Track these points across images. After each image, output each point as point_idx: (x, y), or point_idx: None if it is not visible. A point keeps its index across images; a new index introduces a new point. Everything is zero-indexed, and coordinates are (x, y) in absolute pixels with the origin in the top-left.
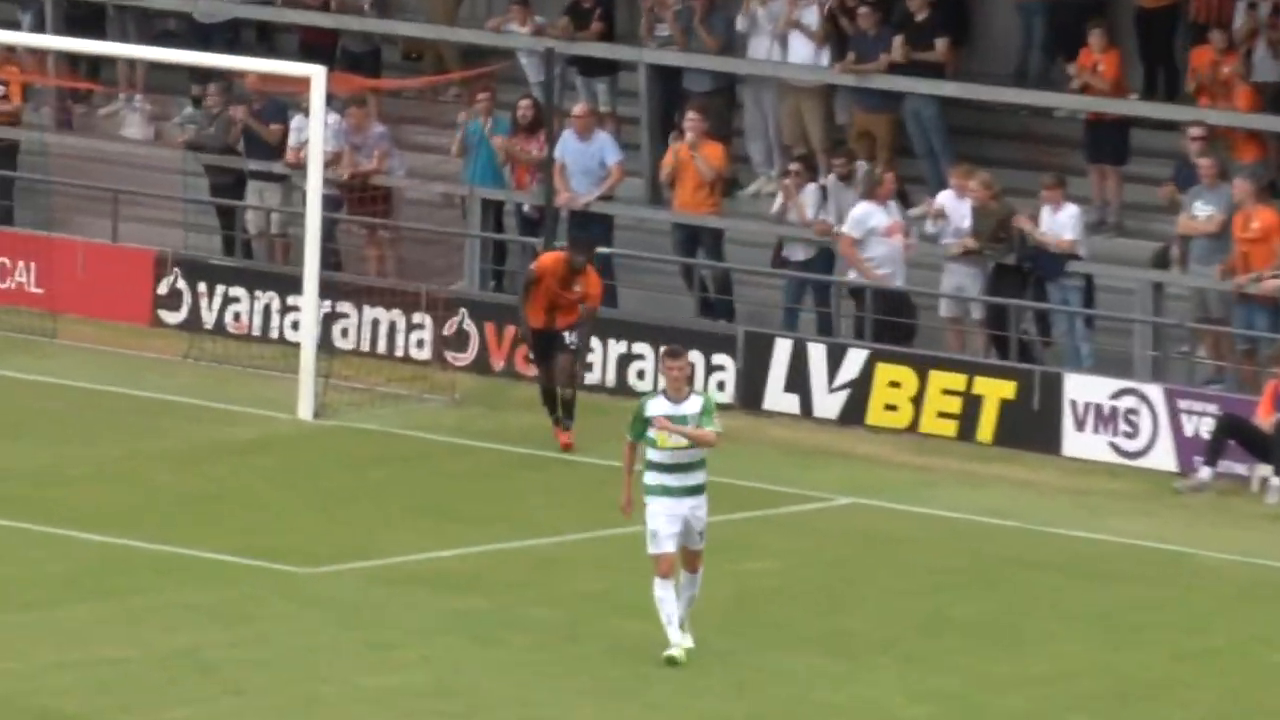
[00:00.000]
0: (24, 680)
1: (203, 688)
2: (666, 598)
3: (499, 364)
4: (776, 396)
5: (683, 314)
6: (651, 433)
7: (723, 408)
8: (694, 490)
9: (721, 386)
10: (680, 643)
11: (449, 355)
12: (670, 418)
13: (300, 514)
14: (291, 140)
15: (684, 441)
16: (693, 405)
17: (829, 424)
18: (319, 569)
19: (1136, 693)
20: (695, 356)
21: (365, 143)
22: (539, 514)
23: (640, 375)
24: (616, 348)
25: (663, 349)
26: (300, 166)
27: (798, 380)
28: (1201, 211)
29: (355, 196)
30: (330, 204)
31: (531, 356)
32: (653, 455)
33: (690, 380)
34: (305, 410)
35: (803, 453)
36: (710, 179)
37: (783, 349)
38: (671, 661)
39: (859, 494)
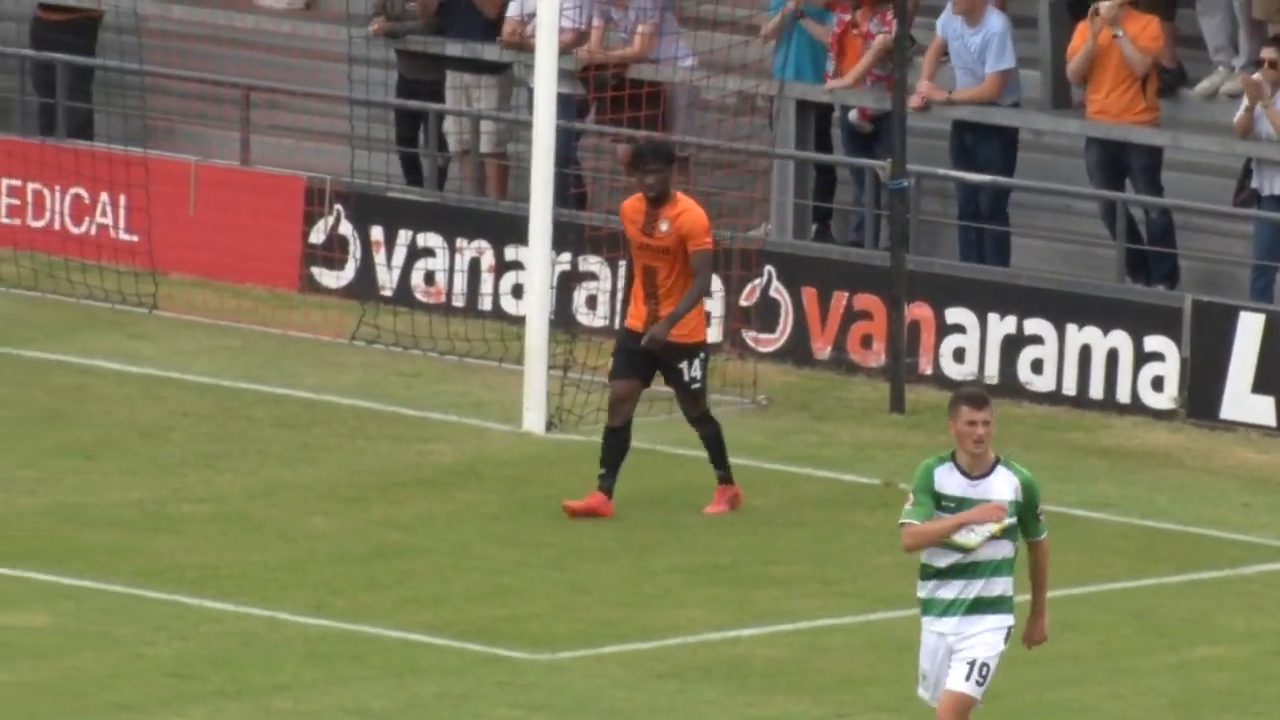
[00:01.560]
0: None
1: None
2: None
3: (823, 349)
4: (1240, 400)
5: (1101, 275)
6: (962, 534)
7: (1163, 416)
8: (986, 606)
9: (1160, 385)
10: None
11: (749, 336)
12: (966, 501)
13: (528, 575)
14: (512, 10)
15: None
16: (1002, 487)
17: None
18: (555, 655)
19: None
20: (1121, 339)
21: (626, 14)
22: (880, 574)
23: (1037, 367)
24: (1000, 326)
25: (958, 393)
26: (526, 48)
27: (1274, 376)
28: None
29: (610, 96)
30: (571, 108)
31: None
32: (934, 558)
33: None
34: (534, 419)
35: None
36: (1143, 72)
37: (1251, 328)
38: None
39: None
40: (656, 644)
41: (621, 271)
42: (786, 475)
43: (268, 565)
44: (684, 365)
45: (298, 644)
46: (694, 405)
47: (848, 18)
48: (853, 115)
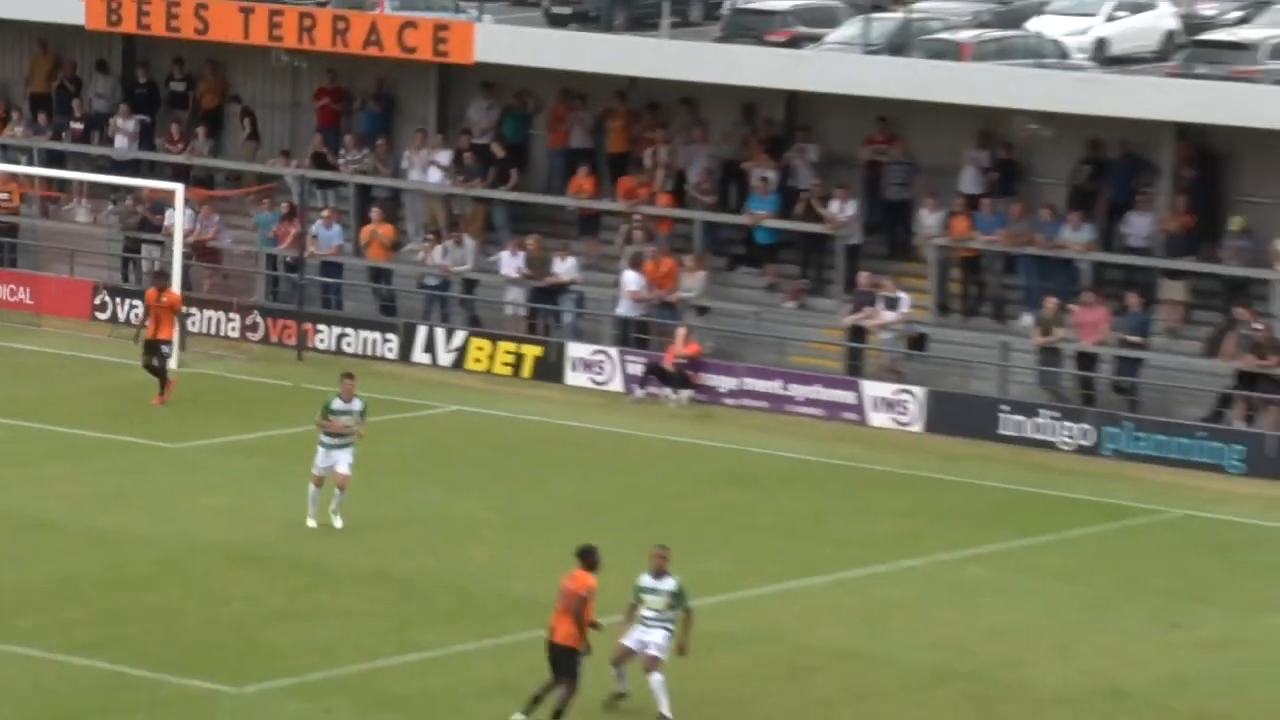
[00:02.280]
0: None
1: None
2: None
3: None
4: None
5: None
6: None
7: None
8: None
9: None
10: None
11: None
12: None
13: None
14: (167, 222)
15: None
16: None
17: (446, 370)
18: None
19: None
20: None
21: (209, 224)
22: None
23: None
24: None
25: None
26: (170, 235)
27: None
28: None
29: (201, 251)
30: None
31: None
32: None
33: None
34: None
35: (431, 384)
36: (387, 245)
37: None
38: None
39: (464, 404)
40: None
41: (204, 315)
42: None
43: None
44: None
45: None
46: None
47: None
48: (289, 257)
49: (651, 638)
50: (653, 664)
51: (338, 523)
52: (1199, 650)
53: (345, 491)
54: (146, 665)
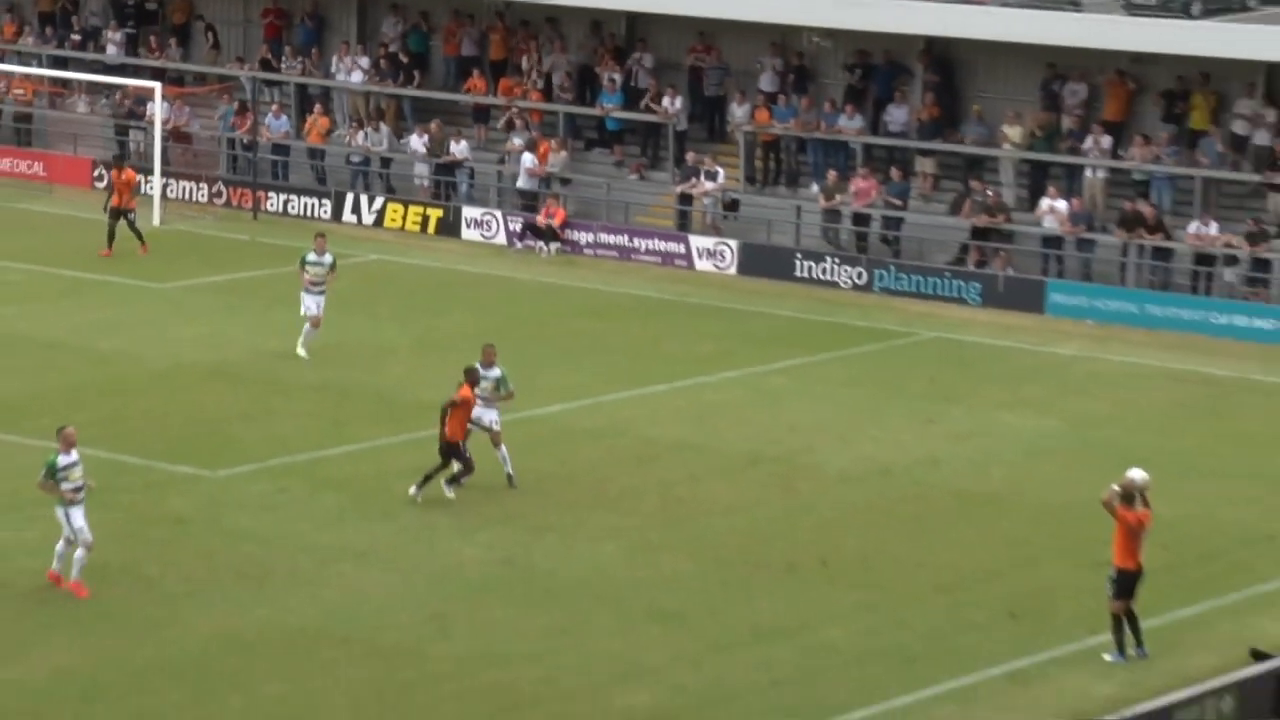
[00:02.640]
0: None
1: None
2: None
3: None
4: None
5: None
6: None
7: None
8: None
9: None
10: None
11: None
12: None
13: None
14: (148, 113)
15: None
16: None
17: (369, 227)
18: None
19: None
20: None
21: (181, 114)
22: None
23: None
24: None
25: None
26: (151, 123)
27: (358, 211)
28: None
29: (176, 135)
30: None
31: None
32: None
33: None
34: None
35: (357, 239)
36: (323, 131)
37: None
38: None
39: (384, 254)
40: None
41: (175, 186)
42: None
43: None
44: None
45: None
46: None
47: None
48: (245, 140)
49: (491, 415)
50: (497, 438)
51: (304, 353)
52: (948, 439)
53: (318, 330)
54: (141, 455)
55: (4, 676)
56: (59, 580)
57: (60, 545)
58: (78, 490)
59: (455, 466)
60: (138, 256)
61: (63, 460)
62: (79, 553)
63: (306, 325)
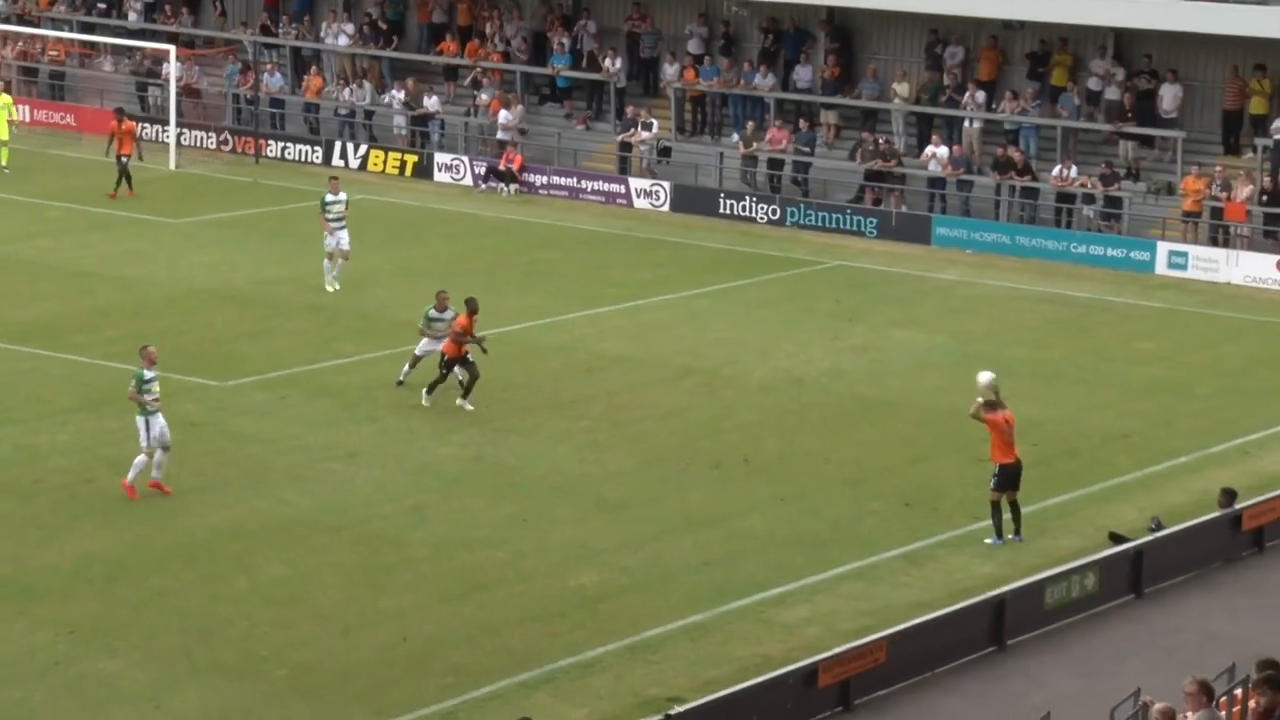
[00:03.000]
0: None
1: None
2: None
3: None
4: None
5: None
6: None
7: None
8: None
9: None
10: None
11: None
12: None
13: None
14: (164, 71)
15: None
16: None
17: (354, 171)
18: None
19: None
20: None
21: (193, 73)
22: None
23: None
24: None
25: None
26: (167, 80)
27: (345, 157)
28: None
29: (188, 91)
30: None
31: None
32: None
33: None
34: None
35: (344, 181)
36: (315, 89)
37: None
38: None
39: (367, 194)
40: None
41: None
42: None
43: None
44: None
45: None
46: None
47: None
48: (248, 94)
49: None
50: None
51: (336, 286)
52: (851, 353)
53: (347, 261)
54: (159, 367)
55: (39, 560)
56: (132, 490)
57: (140, 458)
58: (157, 400)
59: (461, 378)
60: (125, 198)
61: (147, 374)
62: (158, 455)
63: (326, 262)
